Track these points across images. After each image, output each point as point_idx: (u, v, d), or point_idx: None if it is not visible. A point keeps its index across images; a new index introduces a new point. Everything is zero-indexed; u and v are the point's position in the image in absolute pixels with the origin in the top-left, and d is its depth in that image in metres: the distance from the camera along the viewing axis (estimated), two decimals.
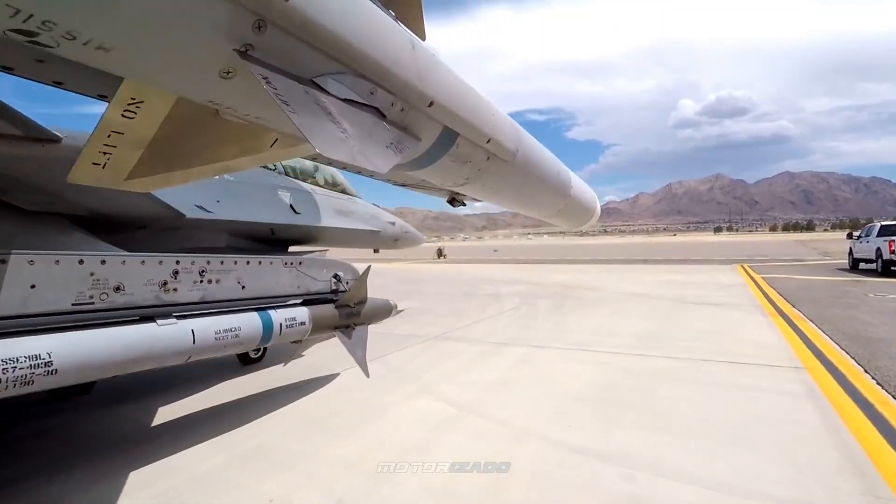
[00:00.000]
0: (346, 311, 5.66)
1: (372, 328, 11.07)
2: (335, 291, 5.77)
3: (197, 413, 5.42)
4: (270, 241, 7.55)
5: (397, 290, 18.93)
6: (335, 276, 5.81)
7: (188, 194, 5.88)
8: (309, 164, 8.89)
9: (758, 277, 19.34)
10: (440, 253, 49.70)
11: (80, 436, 4.91)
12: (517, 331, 9.97)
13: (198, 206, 5.84)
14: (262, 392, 6.12)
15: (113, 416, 5.43)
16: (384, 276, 26.55)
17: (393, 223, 10.52)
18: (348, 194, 9.42)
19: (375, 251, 11.30)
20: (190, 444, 4.50)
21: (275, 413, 5.33)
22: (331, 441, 4.56)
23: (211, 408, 5.58)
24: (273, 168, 7.85)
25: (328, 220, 8.31)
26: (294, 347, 6.57)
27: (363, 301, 6.01)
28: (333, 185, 9.23)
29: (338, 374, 6.90)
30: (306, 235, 8.14)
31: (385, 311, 6.64)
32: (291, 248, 8.58)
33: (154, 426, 5.12)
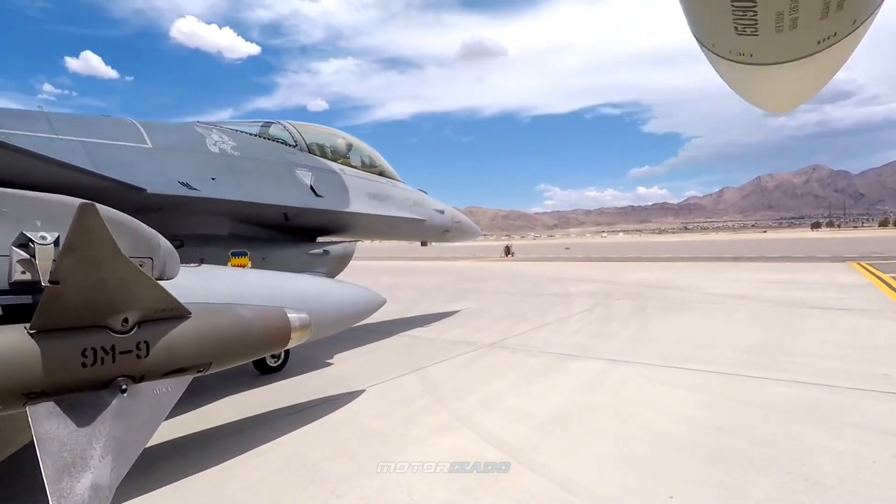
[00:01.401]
0: (85, 344, 2.39)
1: (416, 331, 9.82)
2: (20, 288, 2.37)
3: (166, 443, 4.28)
4: (287, 228, 6.42)
5: (456, 289, 17.59)
6: (23, 240, 2.32)
7: (166, 168, 4.83)
8: (341, 142, 7.75)
9: (887, 277, 16.07)
10: (507, 251, 47.88)
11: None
12: (587, 339, 8.24)
13: (181, 183, 4.76)
14: (260, 415, 4.93)
15: None
16: (445, 274, 25.33)
17: (441, 211, 9.15)
18: (387, 177, 8.16)
19: (423, 244, 9.99)
20: (129, 496, 3.33)
21: (261, 448, 4.09)
22: (312, 501, 3.22)
23: (188, 436, 4.44)
24: (294, 145, 6.72)
25: (359, 205, 7.08)
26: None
27: (169, 313, 2.73)
28: (370, 167, 8.01)
29: (362, 392, 5.61)
30: (332, 222, 6.96)
31: (271, 336, 3.39)
32: (320, 240, 7.45)
33: None
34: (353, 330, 9.89)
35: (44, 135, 4.19)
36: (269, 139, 6.51)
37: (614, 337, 8.31)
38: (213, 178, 5.11)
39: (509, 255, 45.85)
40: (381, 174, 8.06)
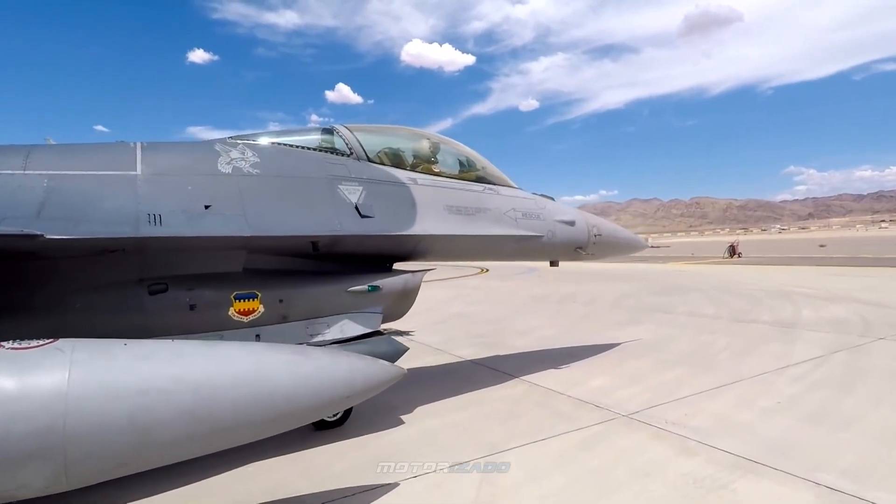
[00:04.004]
0: None
1: (542, 375, 7.54)
2: None
3: None
4: (328, 258, 5.19)
5: (640, 305, 14.50)
6: None
7: (141, 199, 4.00)
8: (424, 144, 6.33)
9: None
10: (733, 251, 39.89)
11: None
12: (798, 422, 5.10)
13: (151, 218, 3.88)
14: None
15: None
16: (639, 282, 21.73)
17: (570, 223, 6.91)
18: (487, 183, 6.35)
19: (553, 264, 7.82)
20: None
21: None
22: None
23: None
24: (347, 153, 5.47)
25: (429, 224, 5.46)
26: None
27: None
28: (463, 173, 6.34)
29: (389, 489, 4.05)
30: (389, 247, 5.50)
31: None
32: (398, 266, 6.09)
33: None
34: (471, 363, 8.35)
35: (7, 171, 3.76)
36: (318, 150, 5.39)
37: (854, 425, 4.98)
38: (206, 207, 4.17)
39: (735, 256, 38.12)
40: (479, 180, 6.28)
